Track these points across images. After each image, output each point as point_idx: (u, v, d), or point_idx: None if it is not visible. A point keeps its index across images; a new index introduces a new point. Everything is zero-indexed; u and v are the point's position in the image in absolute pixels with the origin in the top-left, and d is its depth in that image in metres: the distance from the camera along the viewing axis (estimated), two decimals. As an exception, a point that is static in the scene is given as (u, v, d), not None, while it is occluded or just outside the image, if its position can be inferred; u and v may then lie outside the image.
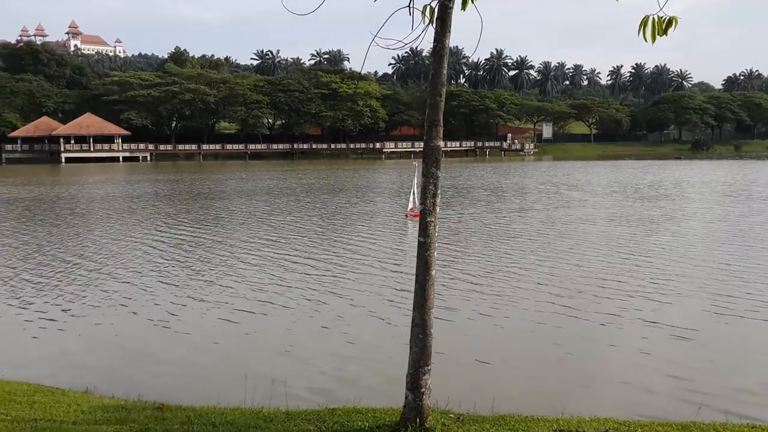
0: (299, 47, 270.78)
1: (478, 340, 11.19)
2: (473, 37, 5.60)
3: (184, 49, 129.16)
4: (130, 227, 25.73)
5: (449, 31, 5.66)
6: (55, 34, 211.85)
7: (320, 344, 10.96)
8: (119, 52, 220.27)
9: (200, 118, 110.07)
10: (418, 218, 24.36)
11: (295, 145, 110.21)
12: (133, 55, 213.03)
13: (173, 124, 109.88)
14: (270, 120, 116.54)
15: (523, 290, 14.40)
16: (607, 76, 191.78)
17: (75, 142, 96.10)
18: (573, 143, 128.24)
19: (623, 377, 9.41)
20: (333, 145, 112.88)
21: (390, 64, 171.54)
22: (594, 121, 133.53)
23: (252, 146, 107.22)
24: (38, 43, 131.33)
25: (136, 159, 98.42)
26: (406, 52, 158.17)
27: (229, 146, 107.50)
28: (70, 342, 11.38)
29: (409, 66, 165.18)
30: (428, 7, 5.43)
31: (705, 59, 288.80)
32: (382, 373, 9.48)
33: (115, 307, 13.55)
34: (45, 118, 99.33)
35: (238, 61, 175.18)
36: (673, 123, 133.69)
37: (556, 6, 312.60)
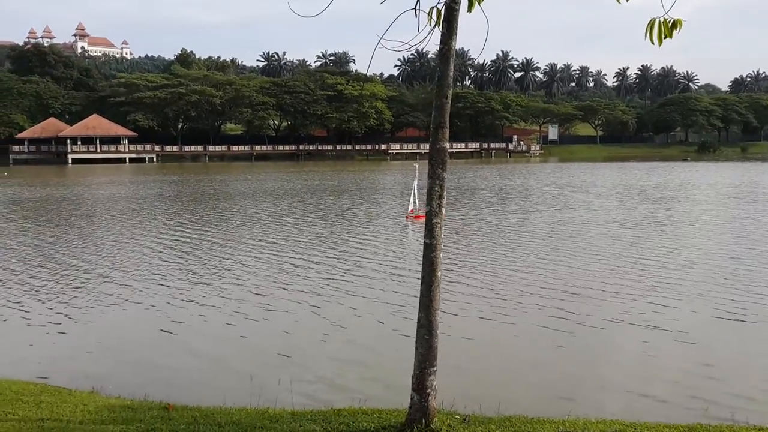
0: (305, 49, 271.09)
1: (482, 341, 11.18)
2: (479, 39, 5.67)
3: (191, 51, 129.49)
4: (134, 228, 25.80)
5: (456, 33, 5.67)
6: (63, 36, 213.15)
7: (325, 345, 10.98)
8: (126, 53, 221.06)
9: (206, 119, 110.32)
10: (418, 220, 24.30)
11: (301, 147, 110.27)
12: (139, 56, 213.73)
13: (179, 126, 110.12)
14: (276, 122, 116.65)
15: (527, 292, 14.38)
16: (614, 77, 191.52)
17: (82, 144, 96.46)
18: (579, 145, 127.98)
19: (628, 380, 9.38)
20: (338, 147, 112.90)
21: (396, 65, 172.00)
22: (600, 122, 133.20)
23: (258, 148, 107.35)
24: (46, 45, 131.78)
25: (142, 160, 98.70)
26: (411, 54, 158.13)
27: (235, 148, 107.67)
28: (76, 342, 11.43)
29: (415, 68, 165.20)
30: (435, 9, 5.44)
31: (711, 61, 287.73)
32: (387, 375, 9.48)
33: (121, 307, 13.60)
34: (52, 120, 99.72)
35: (244, 63, 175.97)
36: (679, 125, 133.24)
37: (562, 8, 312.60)
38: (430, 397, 5.78)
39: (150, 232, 24.59)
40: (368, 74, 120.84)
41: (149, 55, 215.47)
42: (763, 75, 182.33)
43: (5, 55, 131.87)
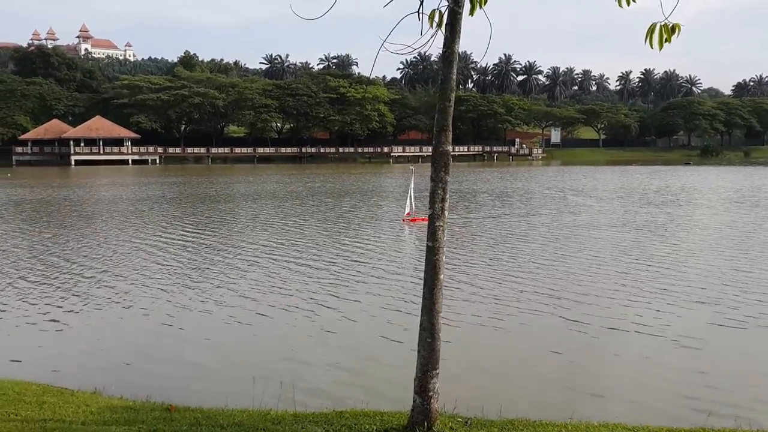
0: (308, 52, 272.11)
1: (485, 344, 11.19)
2: (482, 42, 5.66)
3: (194, 53, 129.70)
4: (136, 230, 25.84)
5: (458, 37, 5.68)
6: (66, 38, 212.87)
7: (326, 347, 10.98)
8: (129, 55, 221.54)
9: (209, 121, 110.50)
10: (415, 223, 24.32)
11: (304, 149, 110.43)
12: (142, 58, 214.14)
13: (182, 128, 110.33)
14: (278, 124, 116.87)
15: (529, 295, 14.37)
16: (616, 81, 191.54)
17: (85, 145, 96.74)
18: (581, 148, 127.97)
19: (631, 384, 9.38)
20: (341, 149, 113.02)
21: (398, 68, 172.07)
22: (603, 126, 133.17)
23: (260, 150, 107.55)
24: (49, 46, 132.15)
25: (145, 162, 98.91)
26: (414, 57, 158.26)
27: (237, 150, 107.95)
28: (78, 343, 11.45)
29: (418, 71, 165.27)
30: (437, 12, 5.45)
31: (714, 65, 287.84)
32: (389, 377, 9.48)
33: (123, 308, 13.63)
34: (55, 121, 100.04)
35: (247, 66, 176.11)
36: (682, 129, 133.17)
37: (564, 11, 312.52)
38: (432, 400, 5.78)
39: (150, 234, 24.62)
40: (371, 77, 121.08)
41: (152, 57, 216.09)
42: (767, 79, 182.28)
43: (9, 56, 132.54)
